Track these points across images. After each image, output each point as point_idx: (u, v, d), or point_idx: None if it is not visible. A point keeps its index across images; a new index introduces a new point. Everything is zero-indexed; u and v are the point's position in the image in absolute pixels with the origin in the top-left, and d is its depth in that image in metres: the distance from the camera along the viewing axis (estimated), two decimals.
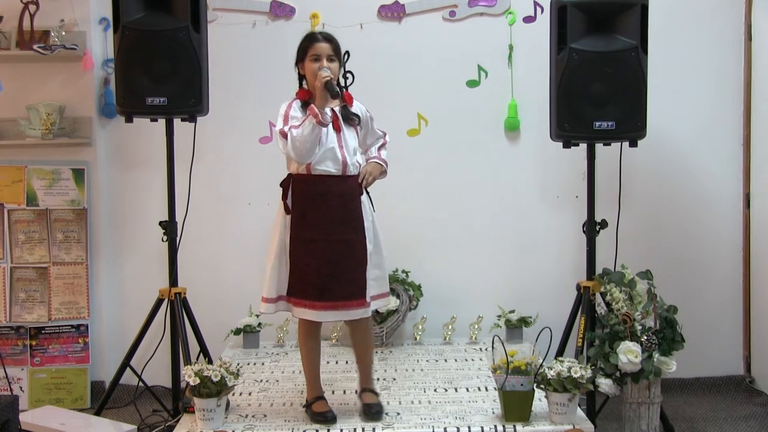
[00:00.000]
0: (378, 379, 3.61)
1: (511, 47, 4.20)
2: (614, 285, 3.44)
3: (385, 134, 3.32)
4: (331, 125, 3.08)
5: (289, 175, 3.14)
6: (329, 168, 3.07)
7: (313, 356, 3.22)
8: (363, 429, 3.02)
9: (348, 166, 3.10)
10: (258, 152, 4.23)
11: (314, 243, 3.07)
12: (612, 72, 3.38)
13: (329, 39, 3.12)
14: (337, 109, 3.13)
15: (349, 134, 3.14)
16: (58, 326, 4.08)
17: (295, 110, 3.08)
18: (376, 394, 3.24)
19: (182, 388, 3.31)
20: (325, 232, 3.07)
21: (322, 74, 3.00)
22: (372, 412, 3.11)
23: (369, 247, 3.13)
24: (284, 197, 3.13)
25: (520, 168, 4.26)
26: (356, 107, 3.21)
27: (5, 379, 3.99)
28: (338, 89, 3.01)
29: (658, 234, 4.24)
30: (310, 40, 3.13)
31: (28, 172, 4.09)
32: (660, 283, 3.46)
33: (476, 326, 4.18)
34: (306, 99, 3.11)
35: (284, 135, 3.02)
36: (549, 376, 3.04)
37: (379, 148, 3.29)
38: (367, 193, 3.20)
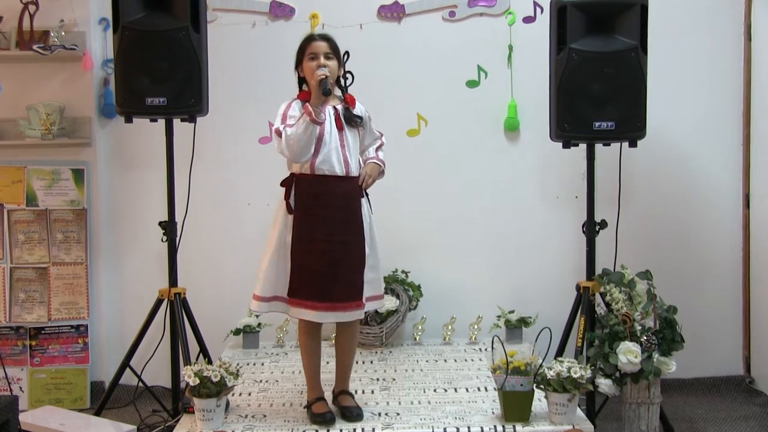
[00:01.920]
0: (378, 380, 3.62)
1: (510, 47, 4.20)
2: (614, 285, 3.44)
3: (382, 135, 3.31)
4: (334, 125, 3.08)
5: (292, 174, 3.12)
6: (334, 168, 3.06)
7: (314, 357, 3.22)
8: (363, 429, 3.02)
9: (350, 167, 3.10)
10: (258, 152, 4.23)
11: (316, 243, 3.06)
12: (612, 72, 3.38)
13: (326, 38, 3.14)
14: (340, 108, 3.14)
15: (351, 135, 3.14)
16: (58, 326, 4.08)
17: (294, 110, 3.09)
18: (353, 396, 3.24)
19: (182, 388, 3.31)
20: (327, 232, 3.06)
21: (317, 72, 3.02)
22: (353, 414, 3.11)
23: (367, 248, 3.13)
24: (287, 197, 3.10)
25: (520, 168, 4.26)
26: (357, 108, 3.20)
27: (5, 379, 3.99)
28: (330, 88, 3.01)
29: (658, 234, 4.24)
30: (307, 40, 3.15)
31: (27, 173, 4.09)
32: (660, 283, 3.46)
33: (476, 326, 4.18)
34: (307, 99, 3.09)
35: (279, 133, 3.03)
36: (549, 377, 3.04)
37: (377, 149, 3.28)
38: (366, 195, 3.20)
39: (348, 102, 3.17)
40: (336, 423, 3.07)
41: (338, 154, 3.07)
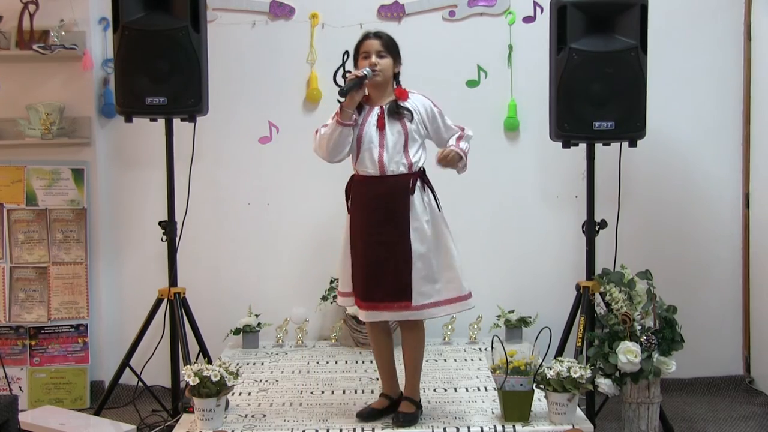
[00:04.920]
0: (378, 379, 3.61)
1: (510, 47, 4.20)
2: (614, 285, 3.44)
3: (463, 129, 3.17)
4: (374, 125, 3.05)
5: (352, 175, 3.15)
6: (367, 169, 3.05)
7: (378, 352, 3.23)
8: (363, 429, 3.02)
9: (385, 166, 3.03)
10: (258, 152, 4.23)
11: (357, 244, 3.08)
12: (612, 72, 3.38)
13: (379, 35, 3.09)
14: (386, 105, 3.07)
15: (394, 133, 3.04)
16: (58, 326, 4.08)
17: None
18: (414, 404, 3.14)
19: (182, 388, 3.31)
20: (366, 233, 3.05)
21: (350, 74, 3.03)
22: (399, 421, 3.06)
23: (420, 248, 3.02)
24: (347, 197, 3.14)
25: (520, 168, 4.26)
26: (414, 102, 3.10)
27: (5, 379, 3.99)
28: (346, 90, 2.95)
29: (658, 234, 4.24)
30: (360, 39, 3.11)
31: (27, 172, 4.09)
32: (660, 283, 3.46)
33: (476, 326, 4.18)
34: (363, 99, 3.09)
35: (316, 133, 3.10)
36: (548, 376, 3.04)
37: (458, 139, 3.14)
38: (431, 190, 3.10)
39: (397, 95, 3.10)
40: (367, 421, 3.07)
41: (371, 155, 3.03)
